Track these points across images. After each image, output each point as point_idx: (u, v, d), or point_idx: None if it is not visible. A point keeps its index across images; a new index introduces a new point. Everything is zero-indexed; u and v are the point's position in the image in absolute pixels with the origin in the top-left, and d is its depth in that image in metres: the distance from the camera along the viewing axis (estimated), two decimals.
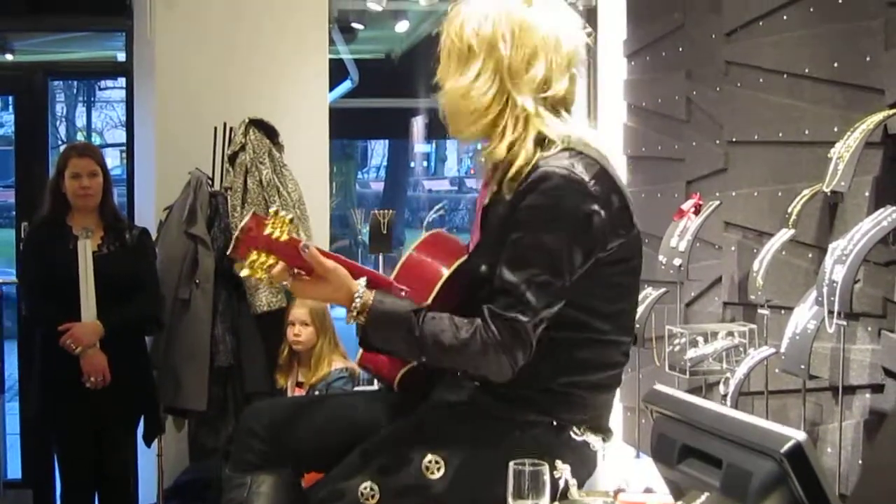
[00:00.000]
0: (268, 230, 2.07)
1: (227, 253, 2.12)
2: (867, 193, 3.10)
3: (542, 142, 2.12)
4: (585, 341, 2.15)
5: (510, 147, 2.12)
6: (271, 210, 2.13)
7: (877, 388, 3.06)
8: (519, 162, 2.10)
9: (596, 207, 2.07)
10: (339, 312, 2.37)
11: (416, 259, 2.30)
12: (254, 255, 2.07)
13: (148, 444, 4.51)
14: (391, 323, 2.09)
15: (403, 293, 2.20)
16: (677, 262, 3.90)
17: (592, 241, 2.09)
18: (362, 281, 2.11)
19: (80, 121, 14.13)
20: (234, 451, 2.34)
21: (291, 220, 2.10)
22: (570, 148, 2.10)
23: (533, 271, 2.04)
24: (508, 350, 2.04)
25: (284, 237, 2.07)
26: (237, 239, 2.09)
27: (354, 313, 2.10)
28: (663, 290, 4.15)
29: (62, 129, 13.35)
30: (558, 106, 2.17)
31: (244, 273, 2.10)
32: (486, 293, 2.12)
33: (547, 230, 2.05)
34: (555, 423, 2.17)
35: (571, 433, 2.19)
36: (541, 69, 2.14)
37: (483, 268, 2.16)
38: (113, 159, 12.19)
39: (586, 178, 2.06)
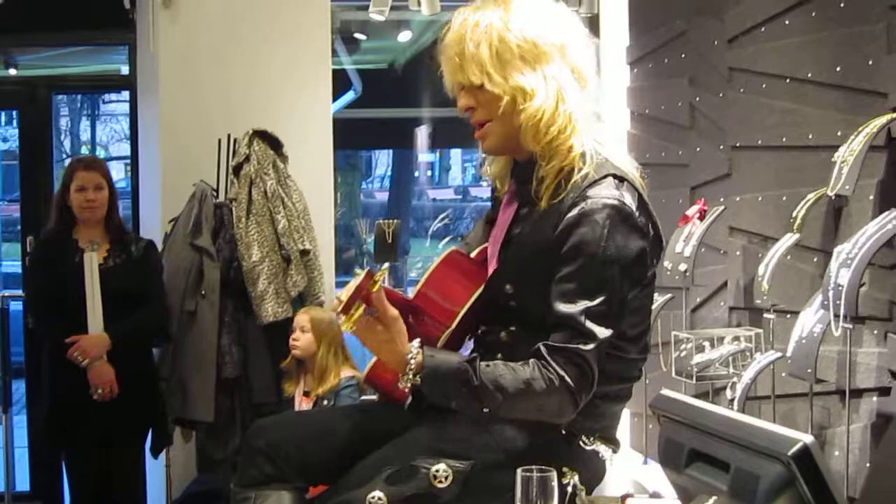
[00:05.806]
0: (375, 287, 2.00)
1: (337, 311, 2.03)
2: (872, 197, 3.10)
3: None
4: (610, 357, 2.14)
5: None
6: (384, 267, 2.09)
7: (883, 391, 3.06)
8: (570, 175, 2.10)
9: (643, 240, 2.09)
10: None
11: (437, 281, 2.27)
12: (353, 309, 2.01)
13: (155, 455, 4.51)
14: (447, 377, 2.05)
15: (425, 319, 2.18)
16: (683, 267, 3.90)
17: (640, 272, 2.11)
18: (416, 342, 2.06)
19: (85, 134, 14.12)
20: (239, 467, 2.34)
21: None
22: (613, 174, 2.10)
23: (589, 302, 2.03)
24: (572, 384, 2.02)
25: (376, 287, 2.01)
26: (350, 298, 2.00)
27: (410, 375, 2.04)
28: (669, 295, 4.15)
29: (66, 143, 13.34)
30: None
31: (350, 330, 2.03)
32: (508, 313, 2.14)
33: (601, 262, 2.04)
34: (564, 431, 2.17)
35: (581, 442, 2.19)
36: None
37: (507, 287, 2.16)
38: (118, 172, 12.17)
39: (634, 209, 2.07)
